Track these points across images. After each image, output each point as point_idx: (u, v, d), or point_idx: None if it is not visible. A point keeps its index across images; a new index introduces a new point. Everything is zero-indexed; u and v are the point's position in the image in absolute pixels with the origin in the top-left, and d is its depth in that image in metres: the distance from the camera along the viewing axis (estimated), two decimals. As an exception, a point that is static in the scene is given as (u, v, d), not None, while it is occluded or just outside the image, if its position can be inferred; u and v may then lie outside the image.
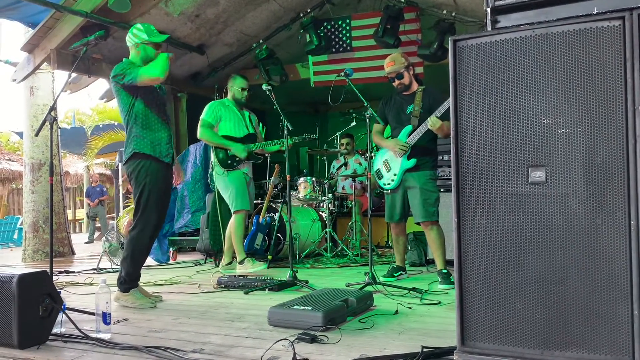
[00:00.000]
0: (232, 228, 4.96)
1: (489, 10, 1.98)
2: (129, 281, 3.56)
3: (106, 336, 2.68)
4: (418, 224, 4.23)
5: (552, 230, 1.81)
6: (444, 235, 4.17)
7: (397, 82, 4.26)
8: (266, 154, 5.51)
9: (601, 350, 1.73)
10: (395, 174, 4.25)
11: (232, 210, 4.98)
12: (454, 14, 6.54)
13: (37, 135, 3.80)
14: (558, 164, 1.81)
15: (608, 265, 1.73)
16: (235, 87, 5.20)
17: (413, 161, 4.14)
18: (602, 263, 1.74)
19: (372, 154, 4.45)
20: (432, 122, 3.94)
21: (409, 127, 4.17)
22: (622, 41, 1.71)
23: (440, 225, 4.18)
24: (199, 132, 5.06)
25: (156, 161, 3.57)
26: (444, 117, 3.90)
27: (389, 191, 4.34)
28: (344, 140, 7.16)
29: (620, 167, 1.72)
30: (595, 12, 1.82)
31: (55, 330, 2.70)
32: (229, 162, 5.02)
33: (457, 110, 1.98)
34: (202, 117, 5.10)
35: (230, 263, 5.15)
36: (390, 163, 4.31)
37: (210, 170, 5.12)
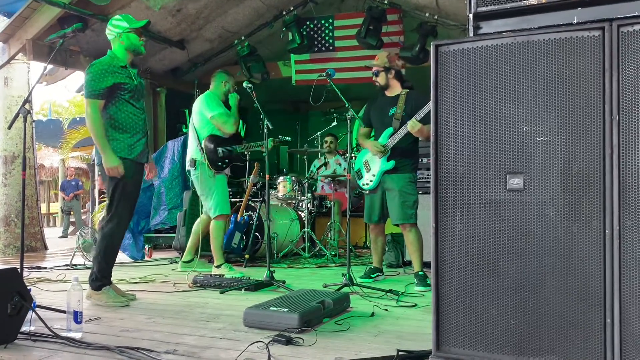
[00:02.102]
0: (213, 233, 4.73)
1: (471, 16, 1.98)
2: (101, 278, 3.49)
3: (77, 335, 2.62)
4: (397, 225, 4.24)
5: (529, 237, 1.83)
6: (422, 237, 4.19)
7: (373, 78, 4.34)
8: (246, 152, 5.42)
9: (574, 357, 1.74)
10: (374, 175, 4.25)
11: (214, 215, 4.72)
12: (436, 17, 6.58)
13: (10, 128, 3.69)
14: (536, 171, 1.82)
15: (583, 273, 1.75)
16: (231, 83, 4.90)
17: (392, 163, 4.15)
18: (577, 271, 1.76)
19: (353, 155, 4.44)
20: (411, 125, 3.96)
21: (389, 130, 4.18)
22: (602, 51, 1.73)
23: (419, 228, 4.20)
24: (227, 126, 4.68)
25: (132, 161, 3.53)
26: (425, 120, 3.91)
27: (368, 192, 4.34)
28: (328, 139, 7.14)
29: (597, 176, 1.73)
30: (575, 21, 1.84)
31: (24, 328, 2.63)
32: (219, 163, 4.72)
33: (438, 115, 1.98)
34: (214, 112, 4.69)
35: (190, 261, 5.02)
36: (370, 164, 4.31)
37: (192, 168, 4.75)
